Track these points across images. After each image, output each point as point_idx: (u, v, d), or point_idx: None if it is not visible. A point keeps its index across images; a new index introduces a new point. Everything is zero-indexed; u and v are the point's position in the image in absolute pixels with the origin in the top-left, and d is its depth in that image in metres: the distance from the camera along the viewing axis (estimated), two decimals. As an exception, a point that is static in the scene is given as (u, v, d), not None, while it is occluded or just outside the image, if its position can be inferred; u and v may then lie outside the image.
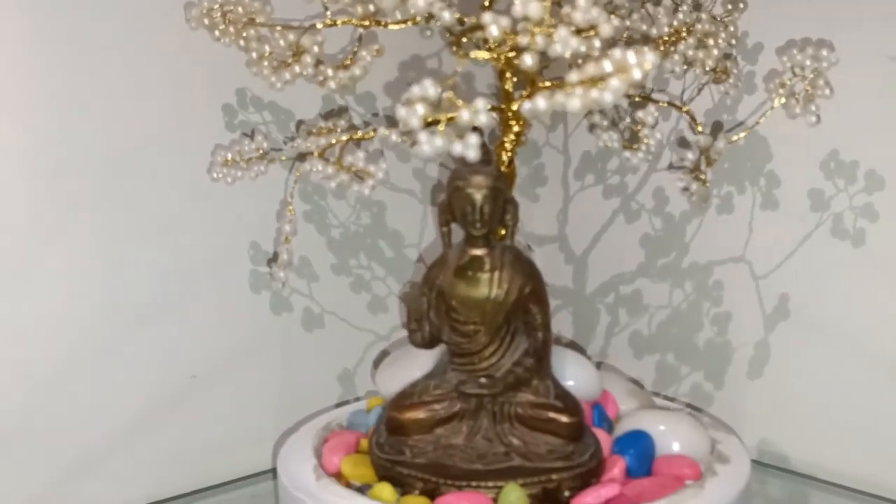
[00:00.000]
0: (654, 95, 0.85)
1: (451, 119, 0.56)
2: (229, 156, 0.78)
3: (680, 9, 0.77)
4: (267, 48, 0.75)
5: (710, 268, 0.92)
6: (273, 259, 0.85)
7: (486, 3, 0.75)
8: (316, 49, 0.75)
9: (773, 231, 0.86)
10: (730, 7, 0.80)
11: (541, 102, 0.52)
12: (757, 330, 0.88)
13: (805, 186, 0.83)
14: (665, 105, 0.77)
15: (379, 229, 0.95)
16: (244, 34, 0.75)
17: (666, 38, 0.77)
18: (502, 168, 0.78)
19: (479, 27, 0.63)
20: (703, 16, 0.77)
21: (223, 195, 0.81)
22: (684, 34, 0.77)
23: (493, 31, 0.57)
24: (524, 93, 0.78)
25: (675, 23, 0.77)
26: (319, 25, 0.75)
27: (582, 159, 1.04)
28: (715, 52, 0.77)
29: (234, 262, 0.86)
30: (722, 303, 0.92)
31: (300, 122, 0.86)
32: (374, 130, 0.77)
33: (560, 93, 0.52)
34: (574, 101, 0.51)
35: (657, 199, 0.97)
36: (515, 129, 0.79)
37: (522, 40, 0.58)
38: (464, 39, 0.65)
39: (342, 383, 0.96)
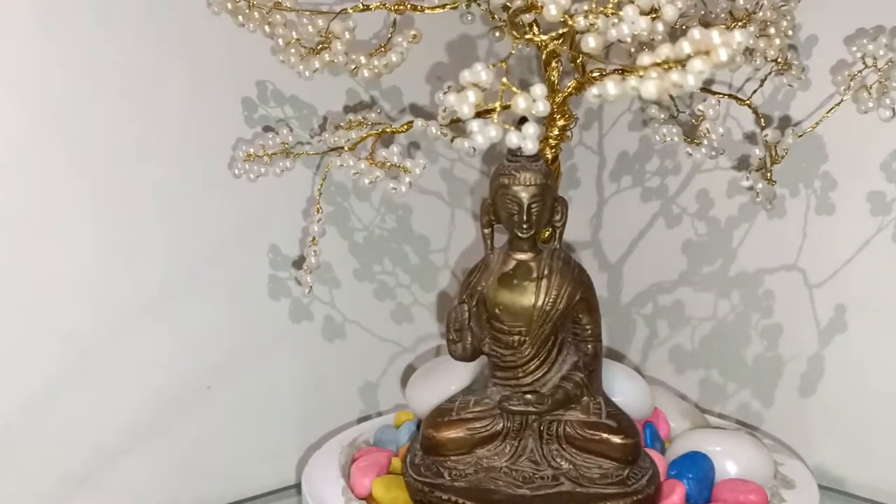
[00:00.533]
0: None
1: (506, 107, 0.51)
2: (252, 150, 0.73)
3: (739, -6, 0.72)
4: (294, 34, 0.70)
5: (760, 276, 0.87)
6: (298, 263, 0.80)
7: None
8: (347, 35, 0.70)
9: (829, 237, 0.80)
10: (787, -4, 0.74)
11: (611, 87, 0.47)
12: (810, 343, 0.83)
13: (864, 188, 0.77)
14: (726, 97, 0.71)
15: (404, 233, 0.90)
16: (269, 20, 0.70)
17: (725, 26, 0.71)
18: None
19: (533, 7, 0.58)
20: (765, 1, 0.71)
21: (242, 194, 0.76)
22: (743, 22, 0.72)
23: (552, 11, 0.52)
24: (573, 82, 0.73)
25: (734, 10, 0.71)
26: (351, 10, 0.70)
27: (618, 160, 0.98)
28: (777, 41, 0.72)
29: (253, 266, 0.81)
30: (772, 314, 0.86)
31: (325, 118, 0.81)
32: (410, 123, 0.72)
33: (632, 77, 0.46)
34: (649, 85, 0.46)
35: (701, 201, 0.91)
36: (560, 122, 0.74)
37: (582, 21, 0.52)
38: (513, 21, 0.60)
39: (364, 397, 0.91)
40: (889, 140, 0.75)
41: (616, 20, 0.52)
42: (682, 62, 0.45)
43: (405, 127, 0.71)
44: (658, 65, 0.47)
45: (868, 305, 0.79)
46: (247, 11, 0.70)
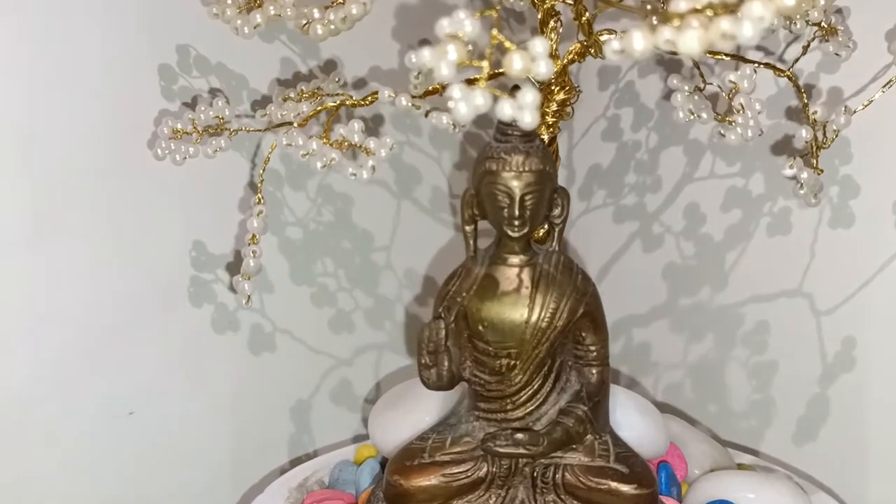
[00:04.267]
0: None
1: (495, 75, 0.41)
2: (179, 125, 0.63)
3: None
4: (232, -19, 0.61)
5: (754, 305, 0.80)
6: (233, 267, 0.72)
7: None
8: (297, -16, 0.60)
9: (843, 256, 0.73)
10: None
11: (638, 40, 0.38)
12: (810, 384, 0.76)
13: (890, 198, 0.69)
14: (763, 66, 0.63)
15: (344, 228, 0.82)
16: (200, -38, 0.61)
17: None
18: (543, 148, 0.64)
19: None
20: (806, -42, 0.63)
21: (158, 176, 0.67)
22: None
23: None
24: (576, 46, 0.64)
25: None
26: (303, -46, 0.61)
27: (589, 175, 0.91)
28: (822, 1, 0.64)
29: (172, 264, 0.72)
30: (766, 350, 0.79)
31: (269, 95, 0.72)
32: (374, 94, 0.62)
33: (666, 27, 0.37)
34: (690, 37, 0.36)
35: (689, 217, 0.84)
36: (560, 96, 0.66)
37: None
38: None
39: (296, 419, 0.84)
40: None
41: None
42: (732, 6, 0.36)
43: (369, 99, 0.62)
44: (698, 10, 0.38)
45: (884, 340, 0.71)
46: (172, -49, 0.60)
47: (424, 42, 0.63)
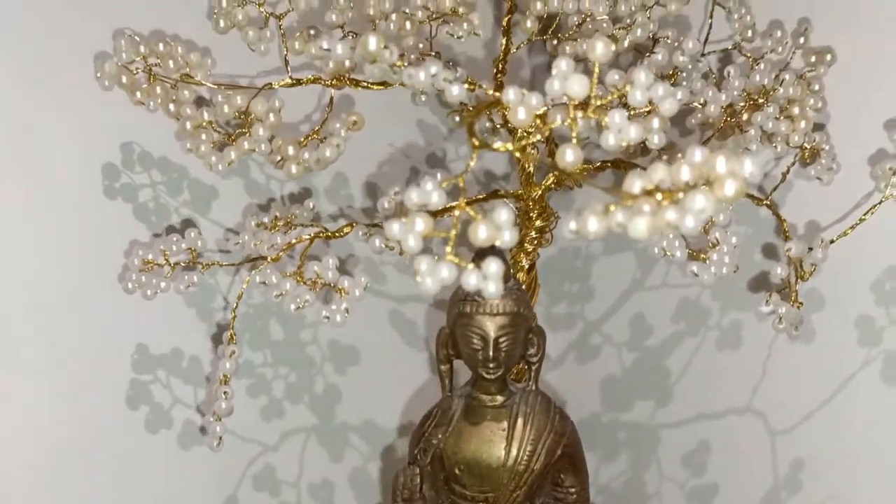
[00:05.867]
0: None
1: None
2: (150, 256, 0.71)
3: (756, 67, 0.73)
4: (206, 115, 0.70)
5: (701, 422, 0.85)
6: (205, 405, 0.78)
7: (499, 70, 0.71)
8: (271, 117, 0.70)
9: (802, 372, 0.78)
10: (813, 60, 0.76)
11: (592, 223, 0.47)
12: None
13: (851, 312, 0.75)
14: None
15: (276, 309, 0.82)
16: (175, 96, 0.70)
17: (741, 106, 0.72)
18: (521, 277, 0.73)
19: (497, 103, 0.58)
20: (787, 76, 0.72)
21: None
22: (762, 101, 0.73)
23: (520, 115, 0.52)
24: (552, 176, 0.73)
25: (751, 87, 0.72)
26: (276, 85, 0.70)
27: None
28: (802, 123, 0.73)
29: (111, 364, 0.77)
30: (705, 471, 0.85)
31: (257, 209, 0.80)
32: (350, 225, 0.71)
33: (619, 209, 0.46)
34: (639, 223, 0.45)
35: (635, 325, 0.89)
36: (538, 223, 0.74)
37: (558, 125, 0.53)
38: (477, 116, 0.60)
39: None
40: (882, 251, 0.73)
41: (601, 124, 0.52)
42: (679, 194, 0.45)
43: (344, 231, 0.71)
44: (650, 193, 0.47)
45: (835, 463, 0.77)
46: (146, 86, 0.70)
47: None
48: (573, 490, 0.66)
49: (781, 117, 0.72)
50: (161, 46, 0.70)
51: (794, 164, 0.74)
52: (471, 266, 0.49)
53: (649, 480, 0.89)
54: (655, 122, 0.58)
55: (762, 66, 0.73)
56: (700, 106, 0.72)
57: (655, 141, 0.59)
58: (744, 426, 0.82)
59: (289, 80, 0.70)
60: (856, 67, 0.75)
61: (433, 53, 0.71)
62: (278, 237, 0.72)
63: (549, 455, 0.65)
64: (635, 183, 0.48)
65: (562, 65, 0.52)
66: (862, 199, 0.73)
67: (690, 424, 0.86)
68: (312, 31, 0.71)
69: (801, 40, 0.76)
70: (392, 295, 0.89)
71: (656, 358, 0.88)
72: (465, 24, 0.72)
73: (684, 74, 0.71)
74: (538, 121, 0.53)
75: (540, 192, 0.73)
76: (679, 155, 0.59)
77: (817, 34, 0.76)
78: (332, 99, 0.69)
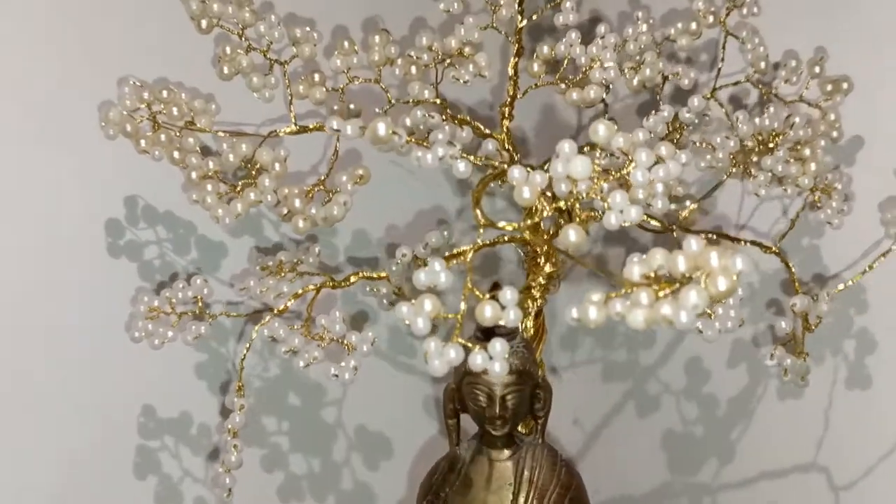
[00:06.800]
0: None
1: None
2: (156, 303, 0.78)
3: (766, 110, 0.78)
4: (211, 164, 0.76)
5: (767, 482, 0.87)
6: (213, 454, 0.84)
7: (505, 116, 0.77)
8: (277, 167, 0.76)
9: (864, 422, 0.81)
10: (829, 89, 0.81)
11: (592, 312, 0.53)
12: None
13: None
14: (749, 244, 0.78)
15: (293, 380, 0.90)
16: (179, 144, 0.76)
17: (749, 149, 0.78)
18: (528, 324, 0.79)
19: (502, 175, 0.65)
20: (797, 119, 0.78)
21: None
22: (772, 144, 0.78)
23: (525, 194, 0.58)
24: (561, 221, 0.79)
25: (761, 131, 0.78)
26: (282, 132, 0.76)
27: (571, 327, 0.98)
28: (813, 165, 0.78)
29: (117, 432, 0.84)
30: None
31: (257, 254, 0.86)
32: (357, 274, 0.78)
33: (617, 300, 0.53)
34: (637, 315, 0.52)
35: (692, 372, 0.92)
36: (547, 269, 0.80)
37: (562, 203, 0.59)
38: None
39: None
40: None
41: (602, 206, 0.58)
42: (675, 287, 0.52)
43: (350, 280, 0.77)
44: (648, 281, 0.53)
45: None
46: (150, 134, 0.76)
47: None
48: (579, 540, 0.73)
49: (792, 160, 0.78)
50: (165, 93, 0.76)
51: (803, 208, 0.80)
52: (477, 348, 0.56)
53: None
54: (658, 202, 0.64)
55: (772, 109, 0.78)
56: (711, 148, 0.77)
57: (659, 206, 0.65)
58: (810, 483, 0.84)
59: (294, 128, 0.76)
60: (866, 107, 0.80)
61: (439, 101, 0.77)
62: (284, 286, 0.79)
63: (556, 508, 0.72)
64: (634, 270, 0.54)
65: (565, 147, 0.58)
66: (870, 246, 0.79)
67: (757, 486, 0.88)
68: (317, 76, 0.78)
69: (817, 69, 0.81)
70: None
71: (714, 416, 0.90)
72: (470, 66, 0.78)
73: (691, 128, 0.77)
74: (542, 201, 0.59)
75: (549, 238, 0.79)
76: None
77: (833, 63, 0.81)
78: (336, 150, 0.75)
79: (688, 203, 0.80)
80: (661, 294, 0.52)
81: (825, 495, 0.83)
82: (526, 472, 0.72)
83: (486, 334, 0.65)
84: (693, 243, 0.53)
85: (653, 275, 0.54)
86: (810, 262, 0.83)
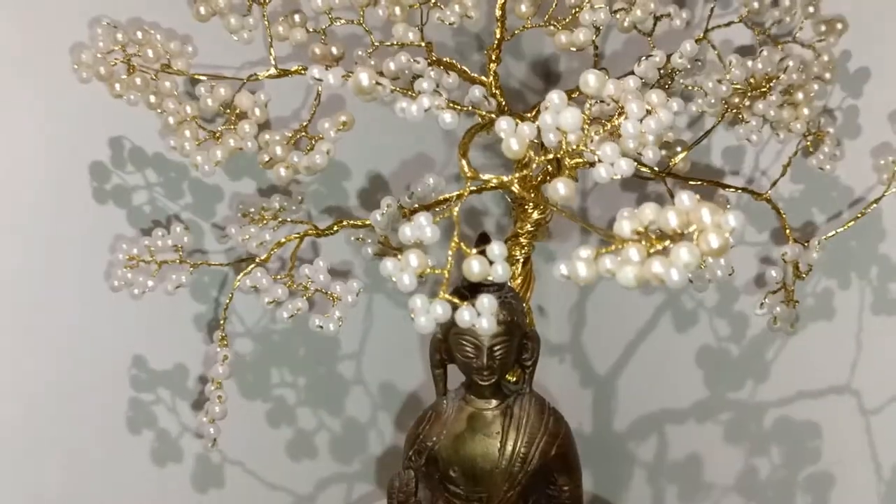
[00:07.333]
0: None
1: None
2: (135, 251, 0.77)
3: (759, 54, 0.77)
4: (189, 109, 0.74)
5: (800, 402, 0.88)
6: (198, 403, 0.84)
7: (492, 59, 0.75)
8: (257, 112, 0.74)
9: (893, 344, 0.82)
10: (823, 29, 0.80)
11: (581, 269, 0.53)
12: (868, 496, 0.84)
13: None
14: (741, 191, 0.78)
15: (303, 330, 0.86)
16: (155, 87, 0.74)
17: (742, 92, 0.77)
18: (515, 274, 0.78)
19: (490, 125, 0.64)
20: (790, 63, 0.77)
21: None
22: (765, 88, 0.77)
23: (513, 146, 0.57)
24: (550, 164, 0.78)
25: (753, 74, 0.77)
26: (262, 76, 0.74)
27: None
28: (806, 110, 0.78)
29: (109, 380, 0.83)
30: (820, 457, 0.87)
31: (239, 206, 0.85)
32: (340, 223, 0.77)
33: (607, 256, 0.52)
34: (627, 272, 0.51)
35: (724, 291, 0.92)
36: (535, 215, 0.79)
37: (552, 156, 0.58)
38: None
39: None
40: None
41: (593, 157, 0.57)
42: (666, 244, 0.51)
43: (334, 229, 0.76)
44: (639, 236, 0.52)
45: None
46: (124, 77, 0.74)
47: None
48: (566, 488, 0.74)
49: (784, 105, 0.77)
50: (140, 35, 0.74)
51: (796, 153, 0.79)
52: (465, 304, 0.56)
53: (763, 463, 0.91)
54: (649, 152, 0.63)
55: (765, 52, 0.77)
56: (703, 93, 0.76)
57: (650, 156, 0.64)
58: (842, 406, 0.84)
59: (274, 71, 0.74)
60: (859, 55, 0.79)
61: (424, 43, 0.75)
62: (267, 234, 0.78)
63: (543, 456, 0.72)
64: (625, 225, 0.54)
65: (554, 98, 0.57)
66: (865, 191, 0.79)
67: (792, 402, 0.88)
68: (297, 17, 0.76)
69: (811, 9, 0.80)
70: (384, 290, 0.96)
71: (747, 329, 0.90)
72: (456, 7, 0.76)
73: (682, 72, 0.75)
74: (529, 154, 0.58)
75: (537, 183, 0.78)
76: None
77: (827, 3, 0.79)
78: (318, 95, 0.74)
79: (678, 150, 0.79)
80: (651, 250, 0.52)
81: (856, 419, 0.83)
82: (513, 422, 0.72)
83: (473, 286, 0.64)
84: (685, 198, 0.52)
85: (643, 230, 0.53)
86: (801, 209, 0.82)
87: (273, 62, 0.74)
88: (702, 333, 0.94)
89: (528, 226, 0.79)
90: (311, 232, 0.76)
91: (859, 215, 0.76)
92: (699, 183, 0.78)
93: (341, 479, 0.97)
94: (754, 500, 0.92)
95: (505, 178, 0.59)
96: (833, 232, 0.76)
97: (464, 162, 0.59)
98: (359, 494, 0.97)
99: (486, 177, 0.58)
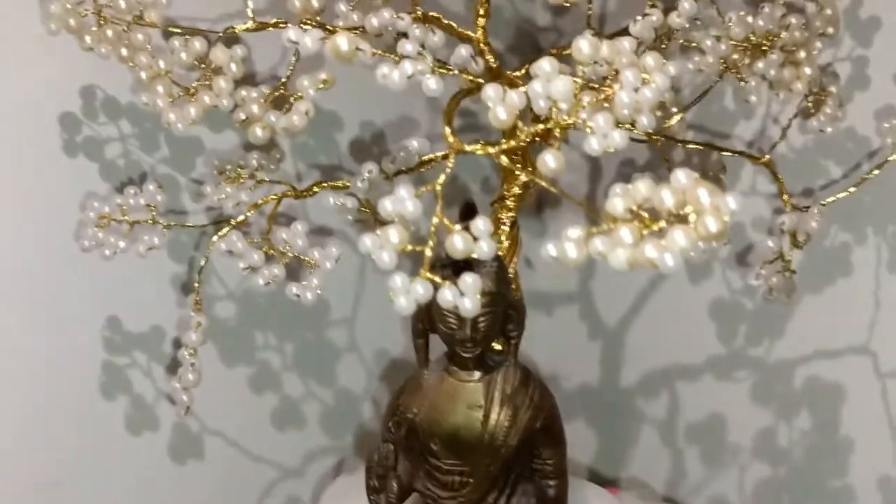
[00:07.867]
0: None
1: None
2: (106, 209, 0.75)
3: (760, 10, 0.74)
4: (162, 64, 0.71)
5: (817, 362, 0.87)
6: (172, 367, 0.81)
7: (480, 14, 0.72)
8: (234, 67, 0.71)
9: None
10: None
11: (571, 250, 0.51)
12: (884, 460, 0.84)
13: None
14: (738, 154, 0.75)
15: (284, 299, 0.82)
16: (127, 40, 0.71)
17: (743, 49, 0.74)
18: (502, 238, 0.76)
19: (477, 89, 0.61)
20: (793, 20, 0.74)
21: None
22: (766, 46, 0.75)
23: (500, 115, 0.55)
24: (539, 126, 0.75)
25: (754, 31, 0.74)
26: (239, 29, 0.71)
27: (619, 176, 0.95)
28: (808, 70, 0.75)
29: (83, 348, 0.81)
30: (840, 425, 0.86)
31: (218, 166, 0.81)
32: (320, 184, 0.74)
33: (598, 238, 0.50)
34: (619, 255, 0.49)
35: (738, 244, 0.88)
36: (522, 177, 0.77)
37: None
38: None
39: None
40: None
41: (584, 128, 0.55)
42: (660, 225, 0.49)
43: (313, 190, 0.74)
44: (632, 216, 0.50)
45: None
46: (95, 29, 0.71)
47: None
48: (550, 461, 0.72)
49: (786, 63, 0.75)
50: (111, -16, 0.71)
51: (796, 115, 0.77)
52: (447, 283, 0.54)
53: (776, 424, 0.90)
54: (644, 119, 0.61)
55: (766, 8, 0.74)
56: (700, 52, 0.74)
57: (644, 122, 0.62)
58: (859, 367, 0.83)
59: (251, 24, 0.71)
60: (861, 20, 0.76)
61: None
62: (243, 193, 0.75)
63: (527, 430, 0.71)
64: (617, 202, 0.51)
65: (545, 66, 0.54)
66: (864, 156, 0.77)
67: (807, 362, 0.86)
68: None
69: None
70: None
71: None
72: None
73: (680, 32, 0.72)
74: (519, 125, 0.56)
75: (525, 143, 0.76)
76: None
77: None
78: (297, 51, 0.71)
79: (674, 110, 0.76)
80: (645, 232, 0.50)
81: (872, 382, 0.82)
82: (497, 394, 0.71)
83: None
84: (681, 176, 0.50)
85: (636, 209, 0.51)
86: (801, 173, 0.80)
87: (251, 15, 0.71)
88: (715, 286, 0.91)
89: (516, 188, 0.77)
90: (288, 193, 0.74)
91: (862, 180, 0.74)
92: (698, 147, 0.75)
93: (331, 452, 0.96)
94: (766, 461, 0.91)
95: (491, 149, 0.56)
96: (839, 194, 0.74)
97: (448, 130, 0.57)
98: (350, 468, 0.95)
99: (470, 147, 0.56)
